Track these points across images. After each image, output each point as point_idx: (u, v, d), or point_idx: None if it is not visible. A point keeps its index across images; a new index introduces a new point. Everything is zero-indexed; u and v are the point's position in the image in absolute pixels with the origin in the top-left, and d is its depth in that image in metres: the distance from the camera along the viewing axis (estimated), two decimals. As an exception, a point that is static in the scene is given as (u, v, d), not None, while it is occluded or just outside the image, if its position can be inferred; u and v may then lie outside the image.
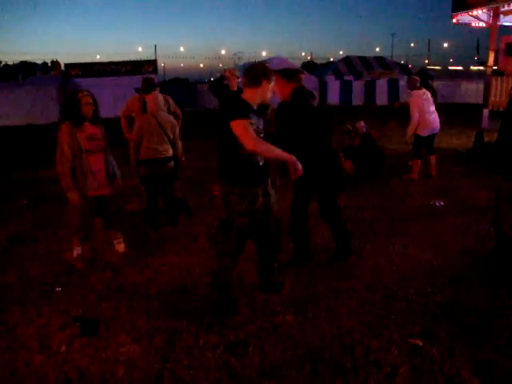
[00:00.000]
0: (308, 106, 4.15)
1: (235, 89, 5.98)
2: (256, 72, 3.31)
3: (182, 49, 57.78)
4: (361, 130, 7.84)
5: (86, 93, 4.21)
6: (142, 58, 26.34)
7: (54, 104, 20.24)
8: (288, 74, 4.15)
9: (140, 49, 72.11)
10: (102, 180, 4.31)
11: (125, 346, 3.12)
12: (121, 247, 4.64)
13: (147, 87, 5.59)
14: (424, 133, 7.34)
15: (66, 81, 21.12)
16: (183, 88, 22.91)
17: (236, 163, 3.28)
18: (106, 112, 19.27)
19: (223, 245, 3.34)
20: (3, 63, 21.77)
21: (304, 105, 4.11)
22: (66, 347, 3.13)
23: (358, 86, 22.16)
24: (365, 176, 7.42)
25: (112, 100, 19.18)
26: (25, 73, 21.01)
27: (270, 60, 23.14)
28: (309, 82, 20.54)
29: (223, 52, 49.50)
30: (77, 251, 4.46)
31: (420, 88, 7.42)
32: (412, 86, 7.47)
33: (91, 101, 4.18)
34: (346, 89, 22.05)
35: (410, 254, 4.56)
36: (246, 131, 3.14)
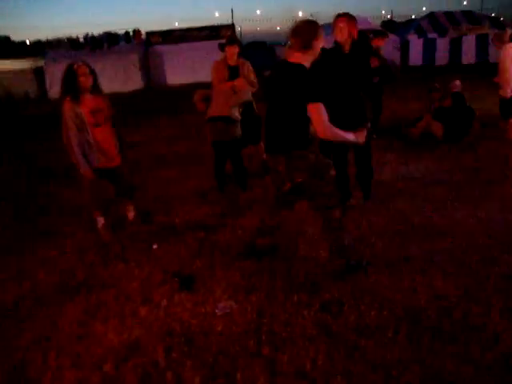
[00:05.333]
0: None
1: None
2: (308, 34, 3.20)
3: (258, 11, 56.83)
4: (456, 88, 7.41)
5: (81, 63, 4.10)
6: (219, 23, 26.33)
7: (136, 71, 20.88)
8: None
9: (217, 13, 71.58)
10: (109, 152, 4.29)
11: (222, 301, 3.24)
12: (131, 215, 4.70)
13: (228, 39, 5.63)
14: (508, 94, 6.81)
15: (148, 48, 21.64)
16: (261, 51, 22.69)
17: (304, 128, 3.30)
18: (185, 77, 19.78)
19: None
20: (90, 35, 22.65)
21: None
22: (167, 301, 3.30)
23: (442, 44, 20.90)
24: (454, 137, 7.07)
25: (191, 65, 19.52)
26: (109, 43, 21.77)
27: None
28: (389, 42, 19.72)
29: (300, 13, 48.15)
30: (100, 222, 4.51)
31: None
32: (503, 39, 6.85)
33: (87, 71, 4.09)
34: (429, 48, 20.88)
35: (507, 219, 4.33)
36: (320, 117, 3.14)
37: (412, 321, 2.90)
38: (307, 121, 3.22)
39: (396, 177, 5.67)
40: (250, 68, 5.61)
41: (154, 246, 4.19)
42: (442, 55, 20.96)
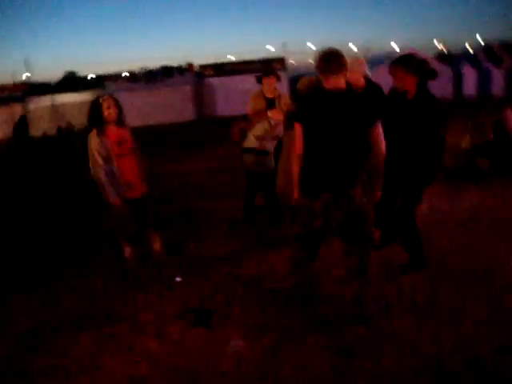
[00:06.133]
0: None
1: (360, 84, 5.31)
2: (343, 58, 3.04)
3: (309, 44, 56.40)
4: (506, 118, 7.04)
5: (106, 97, 4.25)
6: (272, 56, 26.76)
7: (189, 103, 21.48)
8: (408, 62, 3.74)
9: (270, 47, 72.06)
10: (133, 182, 4.32)
11: (234, 339, 3.13)
12: (157, 246, 4.64)
13: (264, 71, 5.63)
14: None
15: (200, 81, 22.28)
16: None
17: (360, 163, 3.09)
18: (236, 109, 20.16)
19: None
20: (146, 69, 23.74)
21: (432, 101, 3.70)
22: (179, 336, 3.23)
23: (498, 75, 20.26)
24: (500, 172, 6.71)
25: (242, 97, 19.85)
26: (164, 76, 22.63)
27: (398, 53, 22.15)
28: (442, 73, 19.36)
29: (351, 45, 47.69)
30: (127, 252, 4.53)
31: None
32: None
33: (113, 104, 4.20)
34: (484, 78, 20.29)
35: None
36: (382, 133, 3.01)
37: (433, 371, 2.68)
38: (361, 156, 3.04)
39: (434, 213, 5.36)
40: (288, 101, 5.54)
41: (177, 279, 4.14)
42: (497, 86, 20.31)
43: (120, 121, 4.29)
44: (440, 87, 17.86)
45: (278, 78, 5.66)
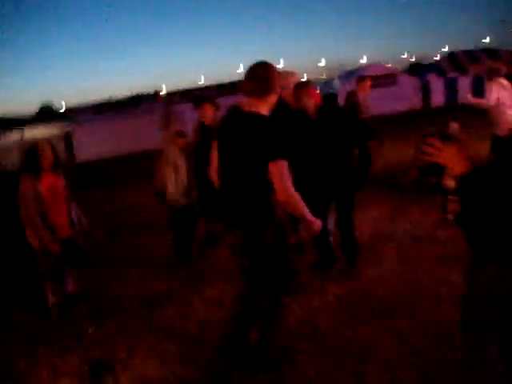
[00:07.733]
0: None
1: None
2: (271, 78, 2.74)
3: (282, 61, 55.46)
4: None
5: (43, 144, 4.16)
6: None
7: (156, 132, 21.15)
8: None
9: (241, 67, 71.94)
10: (61, 226, 4.19)
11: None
12: (70, 287, 4.45)
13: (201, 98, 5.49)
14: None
15: (168, 108, 22.15)
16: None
17: (265, 198, 2.72)
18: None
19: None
20: (113, 98, 23.74)
21: None
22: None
23: (464, 83, 20.33)
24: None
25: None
26: (132, 105, 22.56)
27: (366, 67, 22.24)
28: (410, 84, 19.45)
29: (323, 62, 47.89)
30: (52, 299, 4.29)
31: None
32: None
33: (49, 151, 4.11)
34: (450, 87, 20.32)
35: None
36: (285, 174, 2.59)
37: None
38: (269, 188, 2.65)
39: (376, 237, 5.11)
40: None
41: (90, 331, 3.91)
42: (464, 94, 20.33)
43: (55, 168, 4.18)
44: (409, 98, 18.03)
45: (216, 107, 5.39)
